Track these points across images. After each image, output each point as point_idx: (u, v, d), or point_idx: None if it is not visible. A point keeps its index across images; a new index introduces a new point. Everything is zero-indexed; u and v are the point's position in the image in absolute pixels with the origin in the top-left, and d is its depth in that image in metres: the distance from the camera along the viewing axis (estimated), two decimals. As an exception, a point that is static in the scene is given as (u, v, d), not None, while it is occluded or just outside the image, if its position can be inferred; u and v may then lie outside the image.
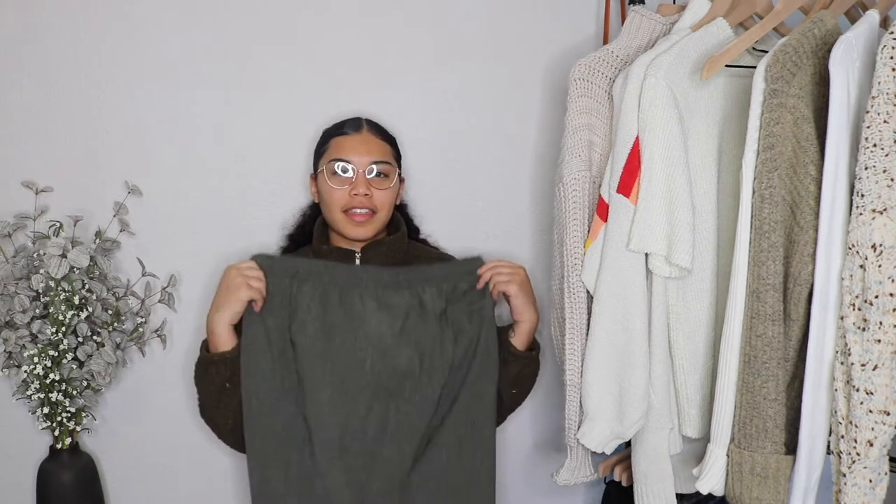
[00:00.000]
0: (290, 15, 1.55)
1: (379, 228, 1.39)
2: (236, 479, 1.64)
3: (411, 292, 1.30)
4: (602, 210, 1.35)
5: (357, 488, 1.28)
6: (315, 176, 1.43)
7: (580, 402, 1.41)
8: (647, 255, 1.32)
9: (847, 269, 1.14)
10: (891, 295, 1.11)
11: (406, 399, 1.29)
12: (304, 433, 1.27)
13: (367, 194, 1.34)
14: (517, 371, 1.37)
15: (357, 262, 1.38)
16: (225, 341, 1.27)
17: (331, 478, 1.27)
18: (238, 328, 1.28)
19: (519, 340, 1.36)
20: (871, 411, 1.13)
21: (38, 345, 1.38)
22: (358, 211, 1.35)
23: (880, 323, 1.11)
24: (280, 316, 1.27)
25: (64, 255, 1.38)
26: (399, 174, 1.43)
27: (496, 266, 1.32)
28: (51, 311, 1.38)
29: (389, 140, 1.43)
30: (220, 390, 1.29)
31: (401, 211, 1.49)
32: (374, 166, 1.36)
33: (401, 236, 1.42)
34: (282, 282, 1.28)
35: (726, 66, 1.29)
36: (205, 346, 1.30)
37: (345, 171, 1.35)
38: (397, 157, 1.44)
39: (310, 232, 1.46)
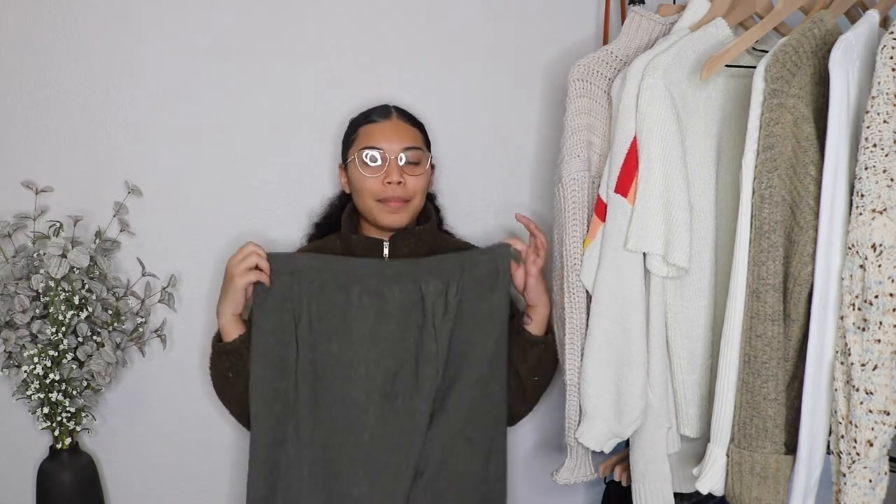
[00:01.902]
0: (290, 16, 1.55)
1: (413, 216, 1.38)
2: (237, 478, 1.64)
3: (413, 286, 1.30)
4: (600, 210, 1.35)
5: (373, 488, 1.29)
6: (345, 166, 1.41)
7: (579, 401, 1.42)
8: (644, 254, 1.32)
9: (847, 269, 1.14)
10: (891, 295, 1.11)
11: (403, 400, 1.30)
12: (302, 429, 1.30)
13: (400, 182, 1.33)
14: (537, 357, 1.38)
15: (386, 251, 1.37)
16: (228, 331, 1.31)
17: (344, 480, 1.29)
18: (247, 321, 1.32)
19: (536, 326, 1.37)
20: (870, 411, 1.13)
21: (38, 345, 1.39)
22: (392, 199, 1.34)
23: (880, 323, 1.11)
24: (283, 316, 1.29)
25: (64, 255, 1.38)
26: (430, 160, 1.42)
27: (542, 247, 1.34)
28: (51, 311, 1.38)
29: (419, 126, 1.42)
30: (224, 379, 1.33)
31: (429, 200, 1.47)
32: (405, 153, 1.34)
33: (431, 226, 1.41)
34: (281, 280, 1.29)
35: (726, 66, 1.29)
36: (217, 335, 1.34)
37: (375, 159, 1.34)
38: (427, 143, 1.43)
39: (336, 221, 1.45)
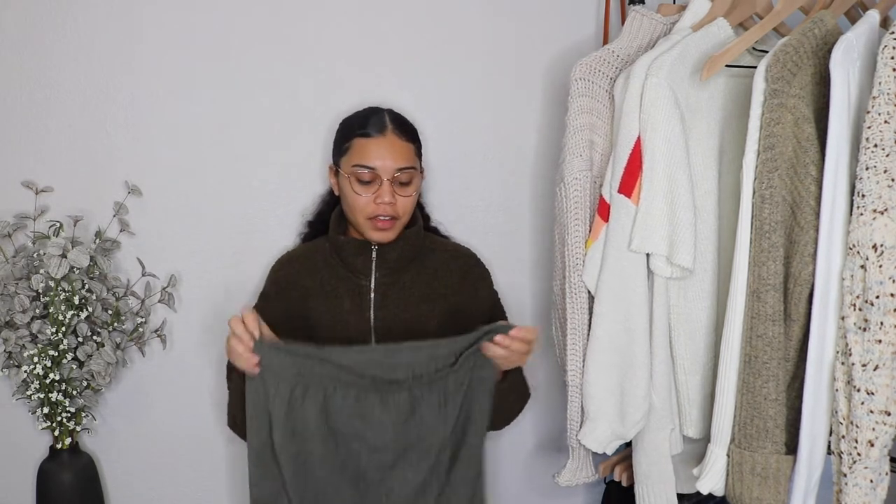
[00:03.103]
0: (289, 15, 1.55)
1: (400, 231, 1.38)
2: (236, 479, 1.64)
3: (410, 394, 1.23)
4: (603, 210, 1.35)
5: None
6: (336, 171, 1.40)
7: (582, 402, 1.41)
8: (648, 255, 1.32)
9: (848, 269, 1.15)
10: (891, 295, 1.11)
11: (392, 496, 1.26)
12: None
13: (391, 202, 1.33)
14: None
15: (374, 254, 1.37)
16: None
17: None
18: None
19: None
20: (871, 411, 1.13)
21: (38, 345, 1.38)
22: (382, 218, 1.34)
23: (881, 323, 1.12)
24: (265, 401, 1.23)
25: (64, 255, 1.38)
26: (421, 173, 1.40)
27: (529, 349, 1.24)
28: (51, 311, 1.38)
29: (413, 138, 1.39)
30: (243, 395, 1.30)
31: None
32: (398, 173, 1.33)
33: (417, 229, 1.41)
34: (264, 368, 1.22)
35: (727, 66, 1.29)
36: (229, 367, 1.31)
37: (368, 178, 1.33)
38: (419, 153, 1.41)
39: (328, 220, 1.45)
